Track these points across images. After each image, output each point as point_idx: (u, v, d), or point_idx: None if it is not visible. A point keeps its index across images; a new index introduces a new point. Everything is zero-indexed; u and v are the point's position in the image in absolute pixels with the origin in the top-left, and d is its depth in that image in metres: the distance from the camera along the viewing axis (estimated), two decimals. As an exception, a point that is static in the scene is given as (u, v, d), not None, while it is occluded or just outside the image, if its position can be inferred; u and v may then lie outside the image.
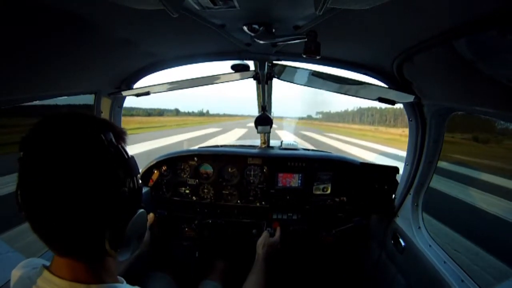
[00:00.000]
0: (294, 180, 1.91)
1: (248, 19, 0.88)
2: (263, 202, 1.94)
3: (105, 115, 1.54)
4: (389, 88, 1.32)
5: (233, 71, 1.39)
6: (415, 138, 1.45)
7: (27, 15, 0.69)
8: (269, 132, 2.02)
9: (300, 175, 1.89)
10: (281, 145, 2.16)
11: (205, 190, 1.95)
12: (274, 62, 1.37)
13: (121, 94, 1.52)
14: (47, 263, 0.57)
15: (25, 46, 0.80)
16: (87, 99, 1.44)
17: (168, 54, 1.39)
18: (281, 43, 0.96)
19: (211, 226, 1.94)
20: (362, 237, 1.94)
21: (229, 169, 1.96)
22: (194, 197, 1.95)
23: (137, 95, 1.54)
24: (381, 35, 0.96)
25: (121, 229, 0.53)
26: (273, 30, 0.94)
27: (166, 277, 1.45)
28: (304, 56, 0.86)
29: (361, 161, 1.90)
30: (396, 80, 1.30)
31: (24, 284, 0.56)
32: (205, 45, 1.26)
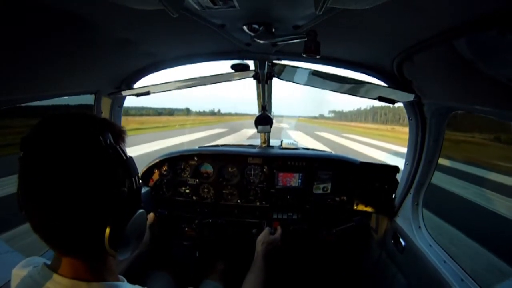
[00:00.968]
0: (294, 180, 1.91)
1: (248, 19, 0.88)
2: (263, 202, 1.94)
3: (105, 115, 1.55)
4: (389, 87, 1.32)
5: (233, 71, 1.39)
6: (415, 137, 1.46)
7: (27, 15, 0.70)
8: (269, 132, 2.02)
9: (300, 174, 1.89)
10: (281, 145, 2.16)
11: (205, 190, 1.95)
12: (274, 61, 1.37)
13: (121, 94, 1.52)
14: (48, 262, 0.58)
15: (25, 46, 0.80)
16: (87, 99, 1.44)
17: (168, 54, 1.39)
18: (281, 42, 0.95)
19: (211, 225, 1.94)
20: (362, 236, 1.94)
21: (229, 169, 1.96)
22: (194, 197, 1.96)
23: (137, 95, 1.55)
24: (381, 34, 0.96)
25: (120, 228, 0.54)
26: (273, 30, 0.93)
27: (166, 276, 1.45)
28: (304, 55, 0.87)
29: (361, 160, 1.90)
30: (396, 79, 1.30)
31: (26, 282, 0.56)
32: (205, 45, 1.26)
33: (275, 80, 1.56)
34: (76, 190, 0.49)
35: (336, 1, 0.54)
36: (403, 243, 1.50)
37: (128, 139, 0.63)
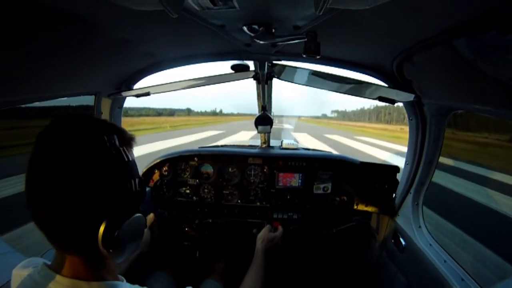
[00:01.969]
0: (294, 180, 1.91)
1: (247, 19, 0.88)
2: (263, 202, 1.94)
3: (105, 116, 1.54)
4: (389, 87, 1.32)
5: (233, 71, 1.39)
6: (415, 137, 1.46)
7: (27, 16, 0.69)
8: (269, 132, 2.02)
9: (301, 174, 1.89)
10: (281, 145, 2.16)
11: (206, 190, 1.95)
12: (274, 62, 1.36)
13: (121, 95, 1.52)
14: (48, 262, 0.58)
15: (25, 47, 0.80)
16: (87, 100, 1.44)
17: (168, 55, 1.39)
18: (281, 43, 0.95)
19: (212, 226, 1.94)
20: (363, 236, 1.95)
21: (230, 169, 1.96)
22: (194, 197, 1.96)
23: (137, 95, 1.54)
24: (381, 34, 0.96)
25: (113, 229, 0.53)
26: (273, 30, 0.93)
27: (166, 276, 1.45)
28: (304, 56, 0.87)
29: (361, 160, 1.90)
30: (396, 79, 1.30)
31: (26, 282, 0.56)
32: (205, 46, 1.26)
33: (275, 80, 1.56)
34: (74, 186, 0.50)
35: (336, 1, 0.54)
36: (403, 242, 1.50)
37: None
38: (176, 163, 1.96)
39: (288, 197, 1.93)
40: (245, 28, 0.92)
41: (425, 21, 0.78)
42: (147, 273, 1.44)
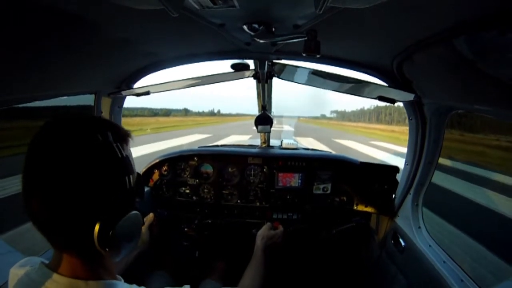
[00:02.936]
0: (294, 180, 1.91)
1: (248, 18, 0.88)
2: (263, 202, 1.94)
3: (105, 115, 1.54)
4: (389, 86, 1.32)
5: (233, 70, 1.39)
6: (415, 138, 1.45)
7: (27, 15, 0.69)
8: (269, 132, 2.02)
9: (300, 174, 1.89)
10: (281, 145, 2.16)
11: (205, 190, 1.95)
12: (274, 61, 1.36)
13: (121, 94, 1.52)
14: (46, 261, 0.58)
15: (25, 46, 0.80)
16: (87, 99, 1.44)
17: (168, 54, 1.39)
18: (281, 42, 0.95)
19: (211, 226, 1.94)
20: (362, 237, 1.94)
21: (229, 169, 1.96)
22: (194, 197, 1.95)
23: (137, 94, 1.54)
24: (381, 33, 0.96)
25: (108, 227, 0.53)
26: (273, 29, 0.93)
27: (166, 276, 1.45)
28: (304, 55, 0.86)
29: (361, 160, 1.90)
30: (396, 79, 1.30)
31: (23, 281, 0.56)
32: (205, 45, 1.26)
33: (275, 80, 1.56)
34: (67, 183, 0.50)
35: (336, 0, 0.54)
36: (403, 243, 1.50)
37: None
38: (175, 163, 1.95)
39: (288, 197, 1.93)
40: (245, 27, 0.92)
41: (426, 21, 0.78)
42: (146, 273, 1.43)
